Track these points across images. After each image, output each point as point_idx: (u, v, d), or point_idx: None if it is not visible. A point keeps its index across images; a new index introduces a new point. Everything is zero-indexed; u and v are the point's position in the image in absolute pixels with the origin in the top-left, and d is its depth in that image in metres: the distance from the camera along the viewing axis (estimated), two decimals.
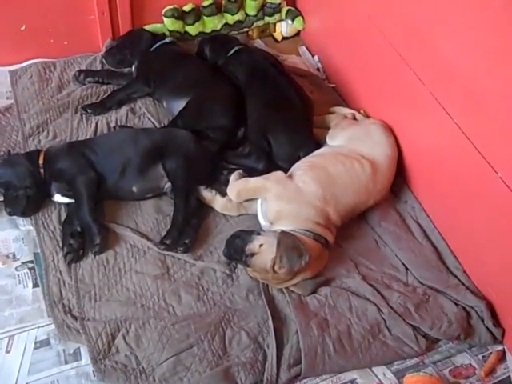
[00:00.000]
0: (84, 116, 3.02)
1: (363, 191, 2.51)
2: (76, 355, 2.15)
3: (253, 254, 2.26)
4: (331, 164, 2.51)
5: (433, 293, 2.33)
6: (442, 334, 2.23)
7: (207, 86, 2.96)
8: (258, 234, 2.33)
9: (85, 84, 3.20)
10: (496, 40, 2.01)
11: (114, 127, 2.95)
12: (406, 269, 2.44)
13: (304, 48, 3.63)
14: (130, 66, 3.21)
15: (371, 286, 2.35)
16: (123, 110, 3.07)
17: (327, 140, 2.77)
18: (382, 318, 2.25)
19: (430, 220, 2.60)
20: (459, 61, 2.21)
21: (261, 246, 2.26)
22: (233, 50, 3.13)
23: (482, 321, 2.26)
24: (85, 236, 2.44)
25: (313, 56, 3.55)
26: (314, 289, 2.32)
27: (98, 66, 3.33)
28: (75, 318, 2.22)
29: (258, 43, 3.63)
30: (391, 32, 2.64)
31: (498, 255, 2.24)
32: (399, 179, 2.72)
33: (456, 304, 2.29)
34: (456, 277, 2.39)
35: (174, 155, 2.60)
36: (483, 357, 2.24)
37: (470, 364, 2.21)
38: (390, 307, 2.27)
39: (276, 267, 2.21)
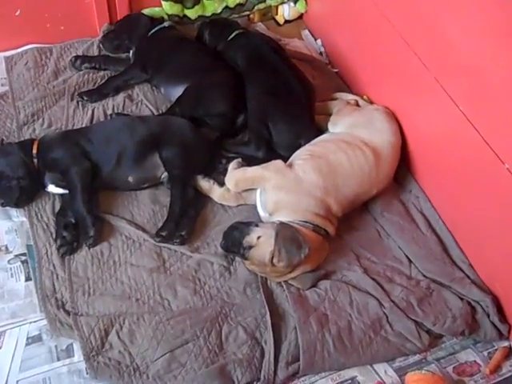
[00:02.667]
0: (80, 103, 2.95)
1: (366, 180, 2.43)
2: (68, 351, 2.10)
3: (250, 247, 2.19)
4: (332, 152, 2.43)
5: (437, 287, 2.26)
6: (445, 329, 2.16)
7: (206, 71, 2.87)
8: (257, 225, 2.26)
9: (81, 70, 3.12)
10: (503, 25, 1.93)
11: (111, 115, 2.88)
12: (410, 261, 2.37)
13: (307, 31, 3.53)
14: (128, 52, 3.13)
15: (373, 279, 2.28)
16: (120, 96, 2.99)
17: (329, 127, 2.69)
18: (384, 313, 2.19)
19: (435, 210, 2.52)
20: (465, 46, 2.13)
21: (259, 238, 2.19)
22: (233, 35, 3.04)
23: (488, 316, 2.18)
24: (79, 228, 2.38)
25: (316, 40, 3.46)
26: (314, 282, 2.26)
27: (95, 51, 3.24)
28: (68, 312, 2.16)
29: (260, 27, 3.53)
30: (396, 16, 2.55)
31: (505, 248, 2.16)
32: (403, 168, 2.64)
33: (461, 298, 2.22)
34: (461, 270, 2.32)
35: (170, 144, 2.54)
36: (488, 353, 2.17)
37: (475, 361, 2.14)
38: (392, 302, 2.21)
39: (274, 260, 2.15)
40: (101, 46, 3.20)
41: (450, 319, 2.16)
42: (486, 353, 2.18)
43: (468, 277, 2.30)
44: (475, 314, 2.19)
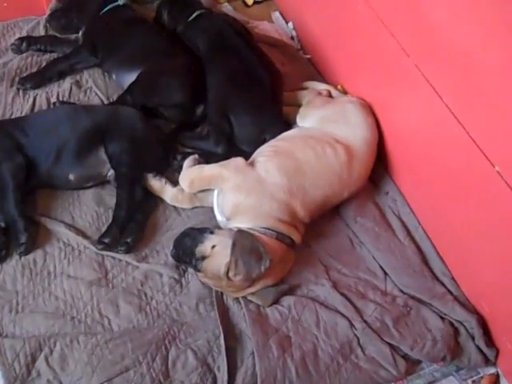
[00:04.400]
0: (21, 90, 2.69)
1: (336, 181, 2.22)
2: None
3: (204, 257, 1.98)
4: (299, 149, 2.23)
5: (415, 304, 2.06)
6: (424, 354, 1.97)
7: (162, 56, 2.66)
8: (212, 232, 2.05)
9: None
10: (494, 5, 1.71)
11: (54, 103, 2.63)
12: (385, 274, 2.17)
13: (277, 13, 3.36)
14: (78, 32, 2.90)
15: (343, 295, 2.07)
16: (67, 82, 2.76)
17: (297, 120, 2.49)
18: (355, 334, 1.98)
19: (414, 215, 2.33)
20: (450, 29, 1.91)
21: (213, 247, 1.99)
22: (194, 15, 2.81)
23: (473, 339, 2.01)
24: (9, 233, 2.15)
25: (287, 23, 3.29)
26: (276, 298, 2.04)
27: (41, 31, 3.03)
28: None
29: (226, 8, 3.35)
30: None
31: (493, 261, 1.96)
32: (379, 167, 2.45)
33: (442, 318, 2.02)
34: (443, 284, 2.12)
35: (117, 137, 2.33)
36: (473, 382, 2.01)
37: None
38: (365, 322, 2.00)
39: (230, 273, 1.94)
40: (47, 25, 2.97)
41: (429, 342, 1.97)
42: (470, 381, 2.01)
43: (450, 293, 2.10)
44: (458, 337, 2.01)
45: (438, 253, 2.21)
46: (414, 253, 2.19)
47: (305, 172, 2.16)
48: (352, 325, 1.99)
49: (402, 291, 2.10)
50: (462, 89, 1.93)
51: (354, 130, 2.32)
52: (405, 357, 1.97)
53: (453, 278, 2.14)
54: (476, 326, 1.99)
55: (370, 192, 2.39)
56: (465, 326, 2.01)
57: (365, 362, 1.93)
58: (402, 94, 2.28)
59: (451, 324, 2.01)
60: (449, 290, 2.10)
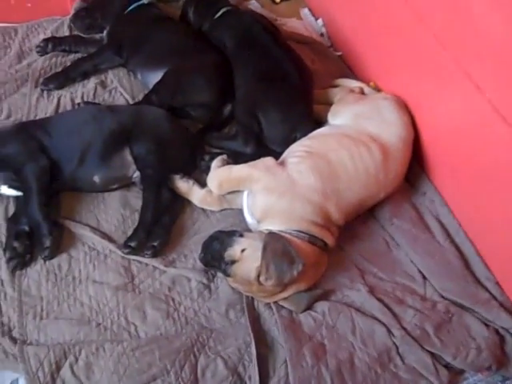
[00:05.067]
0: (45, 91, 2.65)
1: (372, 182, 2.14)
2: None
3: (233, 262, 1.92)
4: (333, 150, 2.15)
5: (457, 310, 1.98)
6: (468, 363, 1.89)
7: (188, 54, 2.61)
8: (241, 235, 1.98)
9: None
10: None
11: (79, 104, 2.59)
12: (424, 278, 2.09)
13: (306, 10, 3.29)
14: (102, 32, 2.85)
15: (380, 300, 1.99)
16: (91, 83, 2.71)
17: (329, 118, 2.41)
18: (393, 342, 1.91)
19: (454, 217, 2.23)
20: (491, 19, 1.83)
21: (243, 251, 1.93)
22: (220, 12, 2.76)
23: None
24: (33, 237, 2.10)
25: (316, 19, 3.22)
26: (310, 304, 1.98)
27: (65, 32, 2.98)
28: (15, 340, 1.87)
29: (253, 5, 3.28)
30: None
31: None
32: (416, 167, 2.37)
33: (487, 325, 1.94)
34: (486, 289, 2.04)
35: (143, 138, 2.28)
36: None
37: None
38: (404, 329, 1.92)
39: (261, 278, 1.87)
40: (72, 25, 2.92)
41: (473, 351, 1.88)
42: None
43: (495, 298, 2.01)
44: (504, 345, 1.93)
45: (480, 256, 2.12)
46: (455, 256, 2.11)
47: (339, 174, 2.09)
48: (390, 332, 1.92)
49: (442, 296, 2.03)
50: (504, 81, 1.84)
51: (388, 128, 2.24)
52: (447, 366, 1.90)
53: (497, 283, 2.05)
54: None
55: (407, 192, 2.31)
56: (511, 334, 1.92)
57: (404, 371, 1.86)
58: (440, 90, 2.19)
59: (496, 331, 1.93)
60: (493, 296, 2.01)
